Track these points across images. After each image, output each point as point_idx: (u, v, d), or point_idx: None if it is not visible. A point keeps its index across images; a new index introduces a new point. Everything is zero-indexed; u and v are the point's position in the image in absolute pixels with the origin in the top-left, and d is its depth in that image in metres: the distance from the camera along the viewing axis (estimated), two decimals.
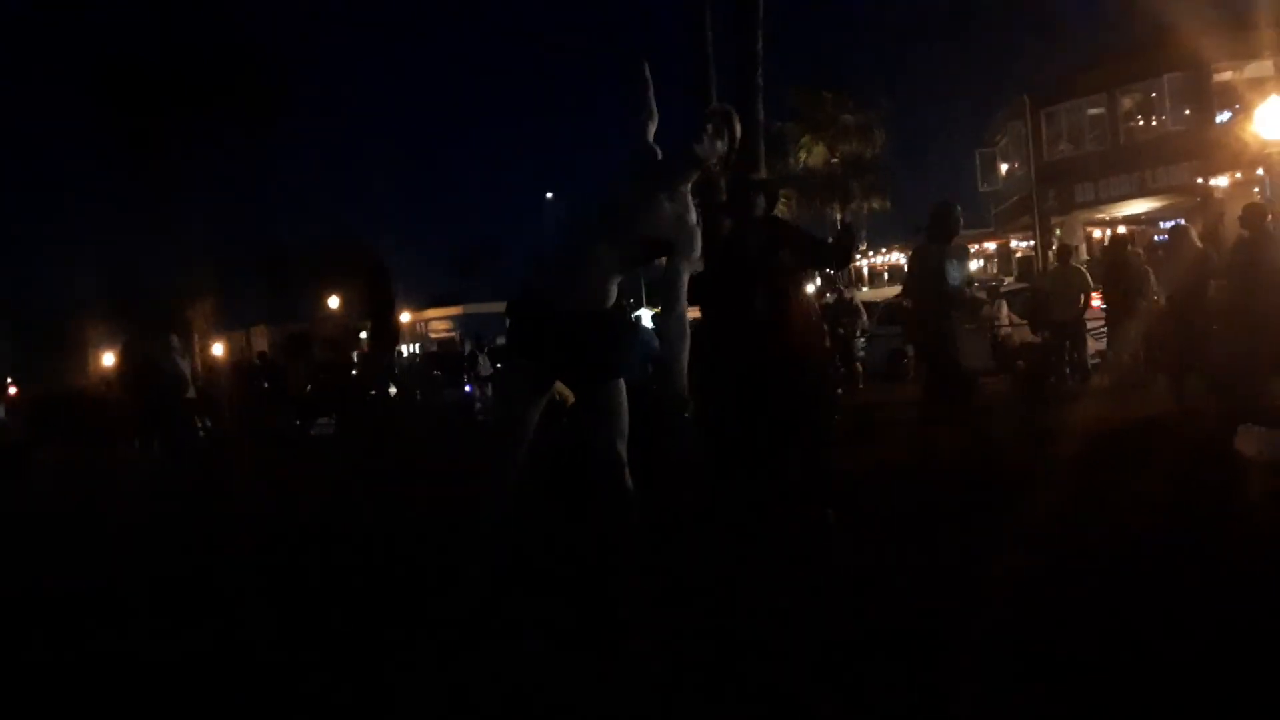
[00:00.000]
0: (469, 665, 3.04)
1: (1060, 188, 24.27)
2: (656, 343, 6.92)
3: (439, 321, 51.78)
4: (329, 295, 32.46)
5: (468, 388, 17.45)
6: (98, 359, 28.69)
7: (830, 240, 5.42)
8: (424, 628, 3.43)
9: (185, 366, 12.08)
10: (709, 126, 3.30)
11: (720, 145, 3.33)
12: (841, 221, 28.84)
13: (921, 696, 2.62)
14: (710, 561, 4.29)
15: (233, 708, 3.01)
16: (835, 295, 16.10)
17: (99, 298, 28.80)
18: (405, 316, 50.24)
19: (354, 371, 18.38)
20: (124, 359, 13.00)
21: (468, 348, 20.71)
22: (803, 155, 30.61)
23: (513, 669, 2.99)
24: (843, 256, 5.41)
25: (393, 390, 17.39)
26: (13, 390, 23.47)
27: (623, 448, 3.27)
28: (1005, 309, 14.62)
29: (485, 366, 17.79)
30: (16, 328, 33.34)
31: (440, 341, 39.88)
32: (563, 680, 2.91)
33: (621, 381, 3.33)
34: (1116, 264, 10.58)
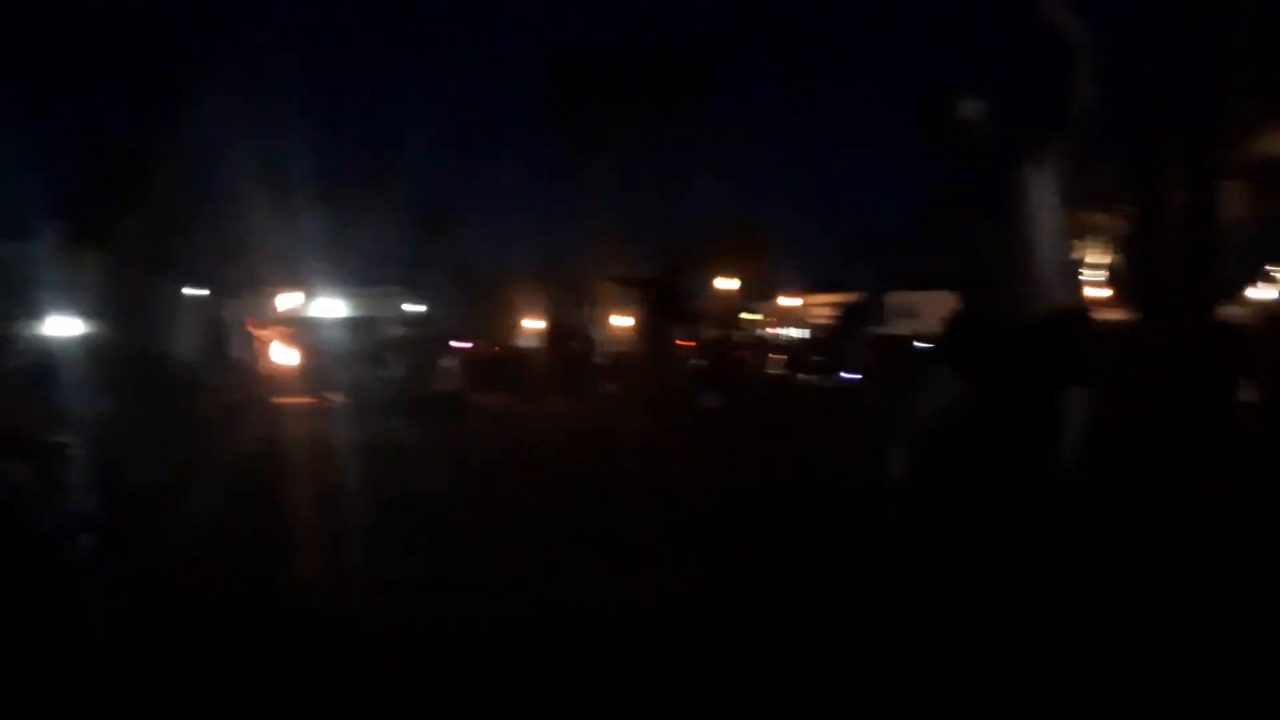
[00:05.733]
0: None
1: None
2: None
3: (819, 308, 52.14)
4: (720, 277, 34.14)
5: (842, 374, 17.60)
6: (524, 322, 32.93)
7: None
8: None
9: (596, 336, 13.70)
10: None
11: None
12: None
13: None
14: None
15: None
16: None
17: (530, 270, 33.42)
18: (798, 301, 51.22)
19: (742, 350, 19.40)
20: (550, 325, 15.00)
21: None
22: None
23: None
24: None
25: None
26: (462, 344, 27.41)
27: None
28: None
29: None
30: (467, 291, 38.83)
31: (823, 327, 40.06)
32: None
33: (1086, 389, 3.23)
34: None
